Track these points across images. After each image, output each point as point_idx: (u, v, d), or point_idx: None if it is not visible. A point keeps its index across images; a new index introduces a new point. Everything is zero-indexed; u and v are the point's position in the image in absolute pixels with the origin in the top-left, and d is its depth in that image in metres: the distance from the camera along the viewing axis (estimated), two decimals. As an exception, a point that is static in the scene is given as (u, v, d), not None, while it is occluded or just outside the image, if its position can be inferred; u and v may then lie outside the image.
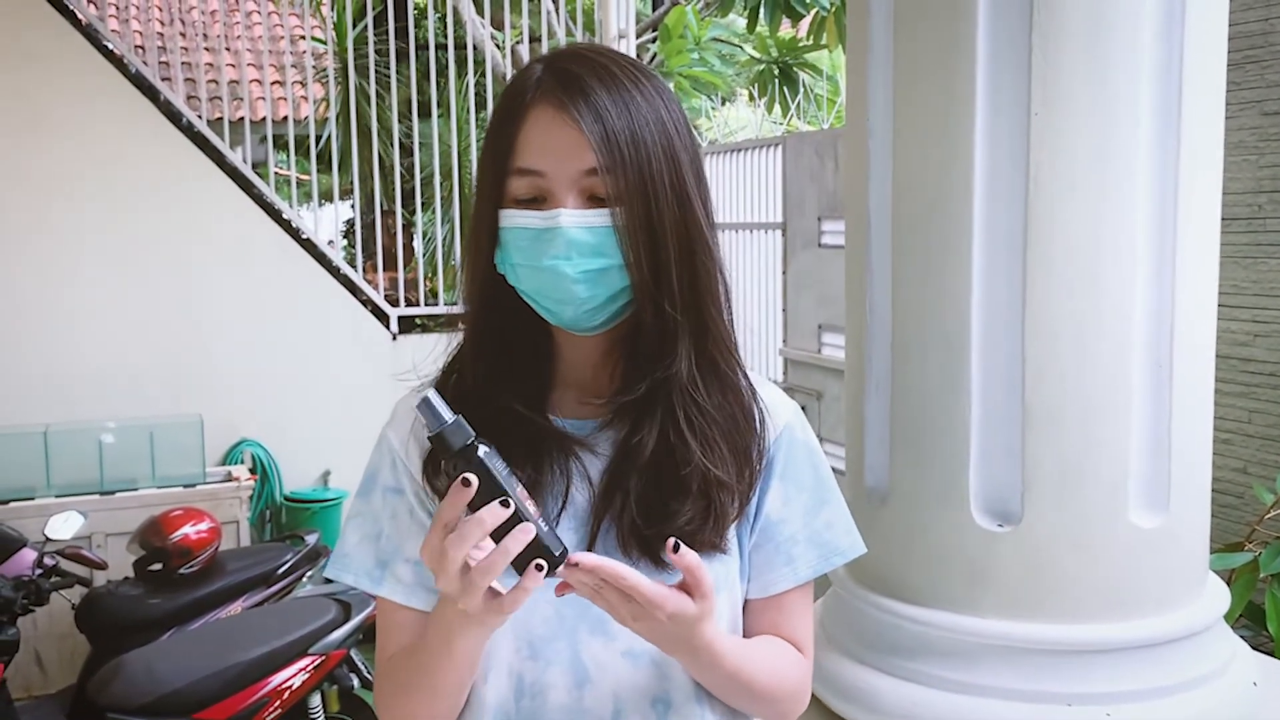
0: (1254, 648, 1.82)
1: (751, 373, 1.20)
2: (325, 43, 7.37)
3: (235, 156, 5.31)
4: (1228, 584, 2.29)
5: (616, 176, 1.05)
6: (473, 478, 0.93)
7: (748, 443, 1.15)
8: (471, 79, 6.45)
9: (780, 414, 1.20)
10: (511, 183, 1.08)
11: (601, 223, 1.06)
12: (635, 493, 1.10)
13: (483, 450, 0.95)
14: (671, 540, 0.98)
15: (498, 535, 0.94)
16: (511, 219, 1.08)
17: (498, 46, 6.91)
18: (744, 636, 1.19)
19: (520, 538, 0.93)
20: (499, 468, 0.95)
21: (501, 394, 1.13)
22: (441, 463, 0.97)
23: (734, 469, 1.12)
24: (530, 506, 0.96)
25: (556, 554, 0.96)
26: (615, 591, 0.98)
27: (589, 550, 1.09)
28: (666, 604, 0.99)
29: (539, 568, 0.94)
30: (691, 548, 1.07)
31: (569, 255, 1.05)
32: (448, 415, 0.96)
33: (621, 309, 1.11)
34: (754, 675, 1.12)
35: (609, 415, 1.14)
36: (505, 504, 0.93)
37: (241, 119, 5.45)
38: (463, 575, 0.95)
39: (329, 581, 4.34)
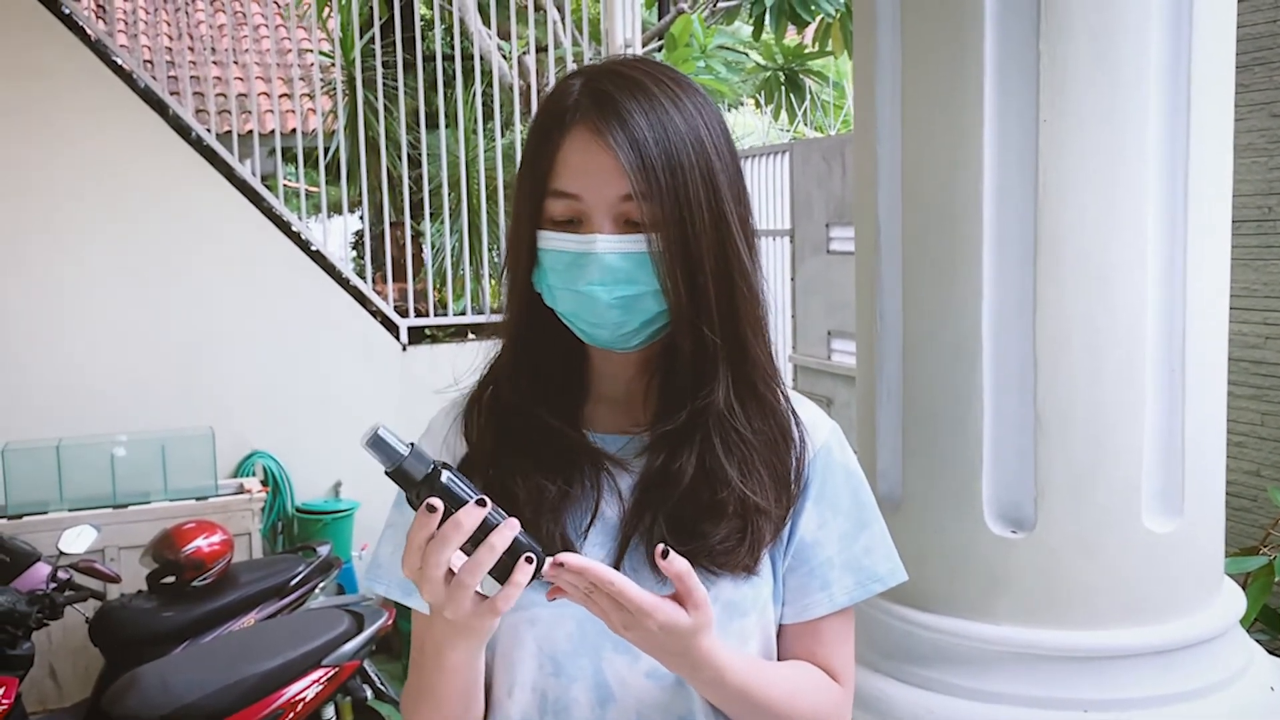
0: (1270, 652, 1.81)
1: (791, 391, 1.19)
2: (332, 55, 7.40)
3: (244, 169, 5.32)
4: (1243, 588, 2.28)
5: (652, 203, 1.04)
6: (438, 503, 0.92)
7: (786, 464, 1.13)
8: (479, 89, 6.47)
9: (818, 434, 1.18)
10: (549, 204, 1.07)
11: (637, 249, 1.05)
12: (666, 511, 1.09)
13: (445, 476, 0.94)
14: (660, 546, 0.97)
15: (476, 543, 0.93)
16: (549, 241, 1.08)
17: (504, 57, 6.93)
18: (779, 662, 1.17)
19: (505, 533, 0.93)
20: (465, 490, 0.94)
21: (537, 407, 1.13)
22: (407, 496, 0.96)
23: (772, 494, 1.11)
24: (498, 515, 0.95)
25: (538, 549, 0.95)
26: (606, 597, 0.96)
27: (616, 567, 1.09)
28: (656, 613, 0.96)
29: (529, 560, 0.94)
30: (723, 569, 1.07)
31: (604, 280, 1.05)
32: (402, 448, 0.94)
33: (658, 330, 1.10)
34: (769, 697, 1.08)
35: (646, 439, 1.13)
36: (482, 503, 0.93)
37: (250, 132, 5.46)
38: (446, 582, 0.95)
39: (342, 593, 4.35)
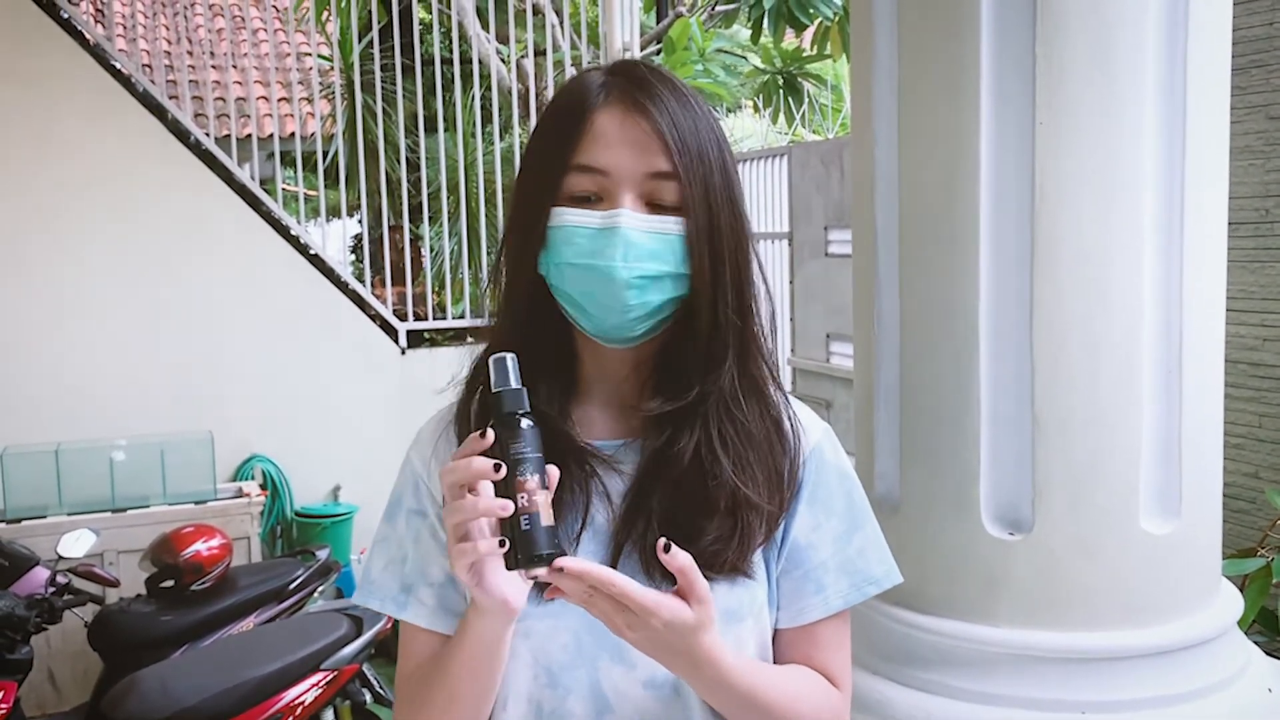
0: (1268, 653, 1.81)
1: (790, 398, 1.19)
2: (331, 59, 7.41)
3: (243, 173, 5.32)
4: (1240, 590, 2.28)
5: (687, 183, 1.05)
6: (490, 434, 0.97)
7: (781, 464, 1.13)
8: (477, 93, 6.47)
9: (811, 436, 1.18)
10: (569, 180, 1.07)
11: (665, 229, 1.05)
12: (659, 511, 1.08)
13: (525, 424, 0.98)
14: (662, 540, 0.97)
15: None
16: (566, 217, 1.06)
17: (503, 61, 6.94)
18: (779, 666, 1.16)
19: (495, 506, 0.94)
20: (528, 449, 0.97)
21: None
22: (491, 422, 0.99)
23: (765, 490, 1.11)
24: (539, 497, 0.96)
25: (543, 553, 0.96)
26: (607, 599, 0.96)
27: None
28: (660, 611, 0.96)
29: (501, 544, 0.96)
30: (715, 569, 1.06)
31: (625, 257, 1.04)
32: (515, 381, 0.99)
33: (659, 323, 1.10)
34: (770, 699, 1.07)
35: (638, 430, 1.13)
36: (498, 469, 0.96)
37: (249, 136, 5.46)
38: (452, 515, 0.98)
39: (341, 596, 4.36)
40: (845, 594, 1.16)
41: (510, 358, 0.99)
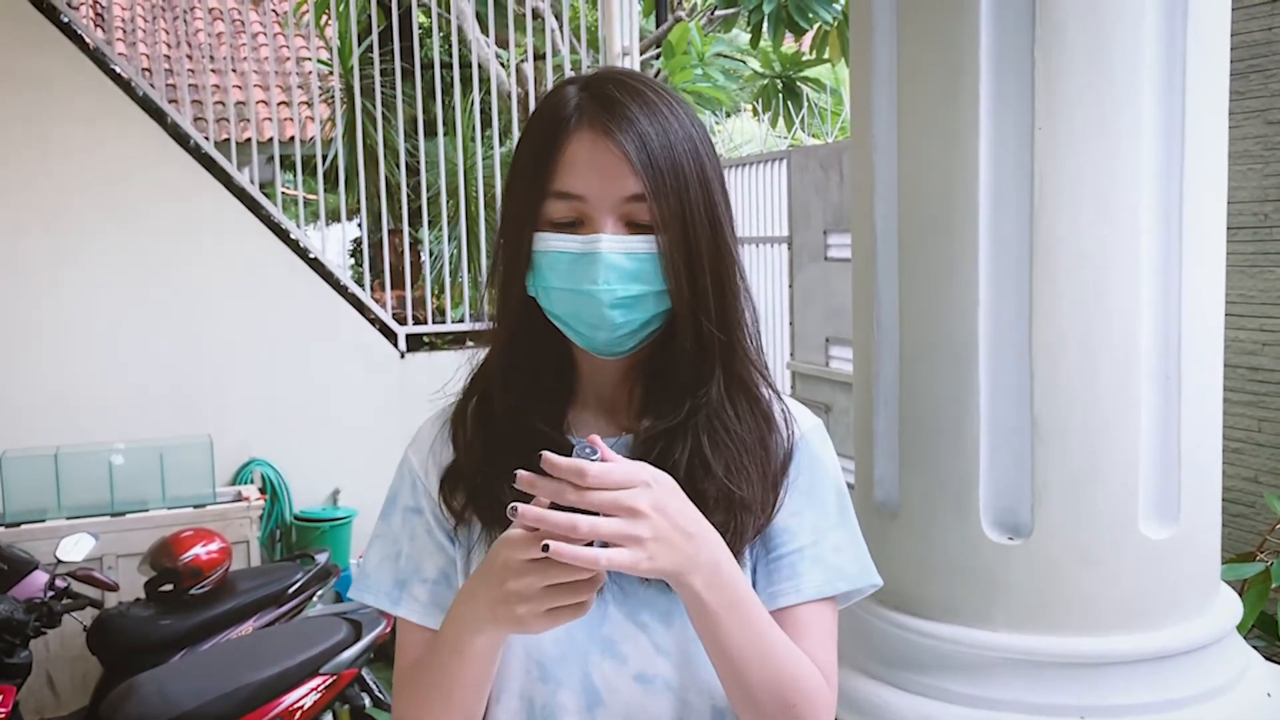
0: (1267, 658, 1.81)
1: (783, 394, 1.20)
2: (330, 64, 7.42)
3: (242, 177, 5.33)
4: (1240, 594, 2.28)
5: (659, 203, 1.05)
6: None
7: (775, 460, 1.14)
8: (476, 97, 6.47)
9: (802, 425, 1.20)
10: (549, 206, 1.08)
11: (643, 249, 1.06)
12: None
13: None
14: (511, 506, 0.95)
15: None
16: (548, 242, 1.08)
17: (502, 65, 6.94)
18: None
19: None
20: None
21: (526, 413, 1.13)
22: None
23: (759, 489, 1.12)
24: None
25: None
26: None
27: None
28: (636, 466, 0.96)
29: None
30: None
31: (607, 280, 1.05)
32: None
33: (651, 333, 1.11)
34: (780, 655, 1.06)
35: (629, 442, 1.14)
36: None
37: (248, 140, 5.46)
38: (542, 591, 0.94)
39: (340, 600, 4.36)
40: (819, 585, 1.14)
41: (590, 446, 0.96)
